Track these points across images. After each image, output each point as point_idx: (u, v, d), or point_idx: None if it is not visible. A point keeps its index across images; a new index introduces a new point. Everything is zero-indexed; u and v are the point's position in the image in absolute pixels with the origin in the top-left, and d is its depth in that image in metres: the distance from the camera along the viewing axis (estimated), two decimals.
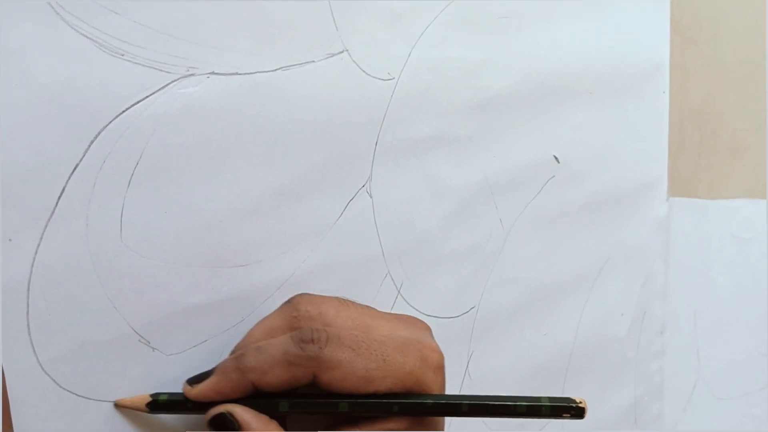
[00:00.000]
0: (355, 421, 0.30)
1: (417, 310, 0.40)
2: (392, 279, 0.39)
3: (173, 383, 0.31)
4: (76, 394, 0.28)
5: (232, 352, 0.32)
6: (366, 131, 0.36)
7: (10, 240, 0.25)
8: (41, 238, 0.26)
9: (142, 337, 0.30)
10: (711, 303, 0.65)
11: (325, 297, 0.31)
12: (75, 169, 0.27)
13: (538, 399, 0.31)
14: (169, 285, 0.30)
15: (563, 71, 0.47)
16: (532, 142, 0.45)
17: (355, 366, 0.29)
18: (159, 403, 0.30)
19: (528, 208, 0.45)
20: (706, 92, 0.62)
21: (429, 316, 0.41)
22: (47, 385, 0.27)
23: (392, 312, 0.33)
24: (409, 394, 0.30)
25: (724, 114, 0.63)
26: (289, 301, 0.32)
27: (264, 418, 0.29)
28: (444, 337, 0.42)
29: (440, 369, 0.31)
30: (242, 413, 0.29)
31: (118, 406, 0.29)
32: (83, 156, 0.27)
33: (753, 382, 0.68)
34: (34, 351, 0.27)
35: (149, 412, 0.30)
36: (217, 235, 0.31)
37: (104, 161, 0.27)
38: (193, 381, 0.30)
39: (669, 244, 0.60)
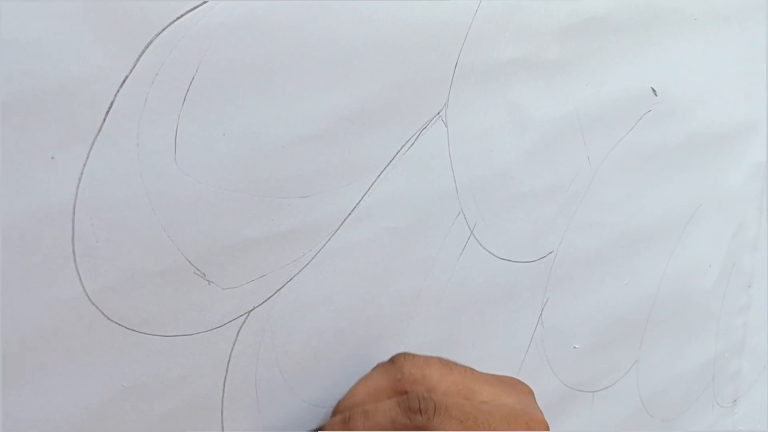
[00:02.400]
0: None
1: (490, 252, 0.37)
2: (465, 218, 0.35)
3: (229, 318, 0.28)
4: (126, 327, 0.26)
5: (335, 411, 0.32)
6: (444, 52, 0.32)
7: (52, 158, 0.23)
8: (87, 157, 0.24)
9: (197, 269, 0.27)
10: None
11: (428, 358, 0.31)
12: (124, 81, 0.24)
13: None
14: (226, 214, 0.27)
15: None
16: (629, 72, 0.40)
17: (467, 423, 0.28)
18: None
19: (619, 145, 0.41)
20: None
21: (503, 259, 0.37)
22: (94, 317, 0.25)
23: (494, 374, 0.32)
24: None
25: None
26: (392, 361, 0.31)
27: None
28: (518, 283, 0.39)
29: (532, 398, 0.31)
30: None
31: None
32: (133, 67, 0.24)
33: None
34: (80, 280, 0.25)
35: None
36: (277, 162, 0.28)
37: (156, 74, 0.25)
38: None
39: (765, 192, 0.54)
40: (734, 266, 0.53)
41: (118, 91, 0.24)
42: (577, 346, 0.43)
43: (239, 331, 0.29)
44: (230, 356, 0.29)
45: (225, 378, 0.29)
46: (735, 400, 0.58)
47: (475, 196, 0.35)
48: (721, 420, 0.57)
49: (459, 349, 0.37)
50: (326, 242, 0.31)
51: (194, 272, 0.27)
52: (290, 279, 0.30)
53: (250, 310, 0.29)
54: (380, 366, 0.32)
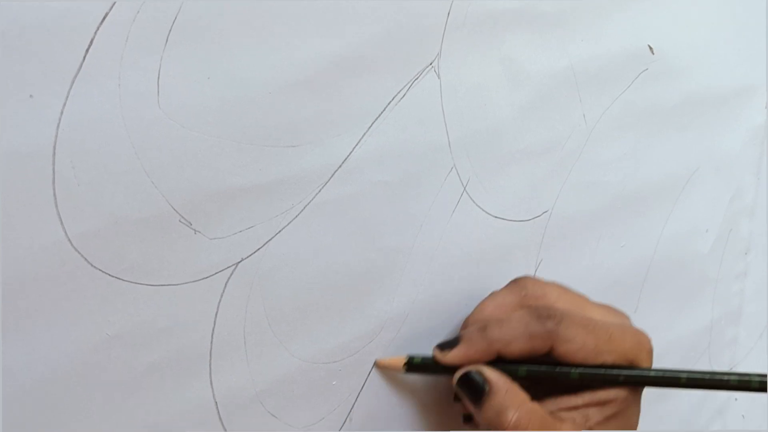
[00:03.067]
0: (577, 390, 0.33)
1: (483, 210, 0.36)
2: (458, 173, 0.35)
3: (216, 269, 0.28)
4: (109, 275, 0.25)
5: (466, 324, 0.35)
6: (437, 0, 0.32)
7: (31, 96, 0.22)
8: (67, 97, 0.23)
9: (182, 217, 0.27)
10: None
11: (546, 281, 0.35)
12: (104, 18, 0.23)
13: (748, 375, 0.32)
14: (212, 161, 0.27)
15: None
16: (626, 28, 0.39)
17: (586, 341, 0.32)
18: (414, 365, 0.34)
19: (616, 104, 0.40)
20: None
21: (497, 218, 0.37)
22: (77, 263, 0.25)
23: (598, 302, 0.36)
24: (632, 367, 0.33)
25: None
26: (516, 281, 0.36)
27: (508, 378, 0.32)
28: (511, 243, 0.38)
29: (651, 353, 0.35)
30: (490, 373, 0.32)
31: (378, 365, 0.34)
32: (113, 4, 0.23)
33: None
34: (62, 224, 0.24)
35: (404, 372, 0.34)
36: (265, 108, 0.28)
37: (138, 12, 0.24)
38: (444, 347, 0.33)
39: (763, 157, 0.54)
40: (731, 232, 0.52)
41: (98, 28, 0.23)
42: None
43: (227, 283, 0.29)
44: (218, 308, 0.29)
45: (213, 330, 0.29)
46: (731, 368, 0.58)
47: (468, 151, 0.35)
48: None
49: (451, 307, 0.36)
50: (316, 194, 0.30)
51: (179, 221, 0.27)
52: (279, 231, 0.30)
53: (238, 262, 0.29)
54: (505, 287, 0.36)
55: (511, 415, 0.31)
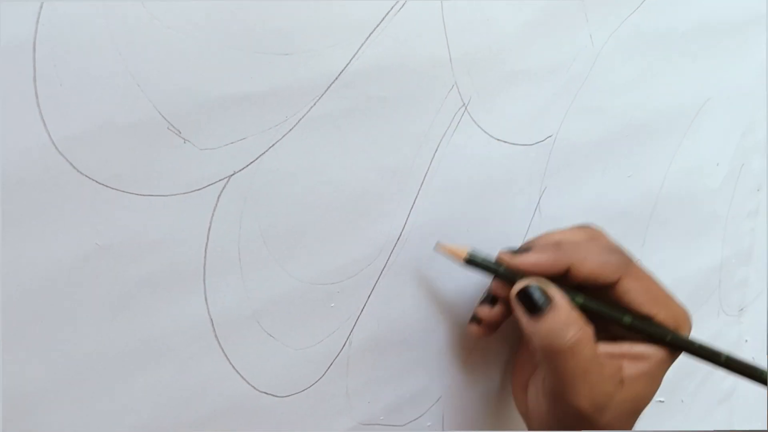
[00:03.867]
0: (616, 338, 0.34)
1: (485, 131, 0.35)
2: (459, 91, 0.34)
3: (207, 181, 0.27)
4: (96, 181, 0.25)
5: (528, 245, 0.35)
6: None
7: None
8: None
9: (171, 124, 0.26)
10: None
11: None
12: None
13: None
14: (201, 66, 0.26)
15: None
16: None
17: (651, 286, 0.34)
18: (475, 261, 0.33)
19: (624, 25, 0.39)
20: None
21: (499, 140, 0.36)
22: (62, 168, 0.24)
23: None
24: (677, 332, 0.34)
25: None
26: (582, 226, 0.36)
27: (569, 300, 0.32)
28: (514, 167, 0.37)
29: (690, 330, 0.35)
30: (554, 290, 0.32)
31: (440, 248, 0.34)
32: None
33: None
34: (45, 126, 0.23)
35: (463, 265, 0.34)
36: (256, 12, 0.27)
37: None
38: (513, 252, 0.33)
39: None
40: (743, 167, 0.51)
41: None
42: None
43: (219, 196, 0.28)
44: (210, 223, 0.28)
45: (206, 246, 0.28)
46: (741, 309, 0.57)
47: (469, 69, 0.34)
48: (726, 328, 0.56)
49: (451, 232, 0.35)
50: (310, 108, 0.29)
51: (168, 128, 0.26)
52: (272, 145, 0.29)
53: (230, 175, 0.28)
54: (570, 227, 0.36)
55: (572, 334, 0.31)
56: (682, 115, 0.45)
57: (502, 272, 0.33)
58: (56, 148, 0.24)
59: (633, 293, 0.33)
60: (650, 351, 0.34)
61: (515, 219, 0.38)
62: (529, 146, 0.37)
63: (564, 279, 0.33)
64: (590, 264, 0.33)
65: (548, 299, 0.32)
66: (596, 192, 0.41)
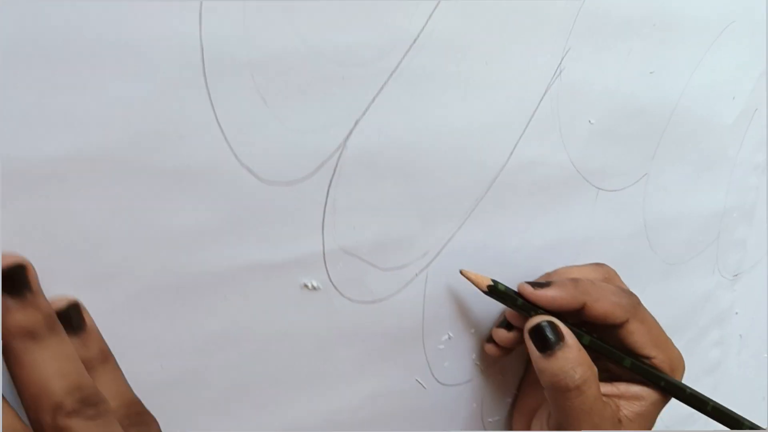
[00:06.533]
0: (618, 377, 0.36)
1: None
2: None
3: None
4: None
5: (548, 276, 0.38)
6: None
7: None
8: None
9: None
10: None
11: None
12: None
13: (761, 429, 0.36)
14: None
15: None
16: None
17: (653, 330, 0.36)
18: (497, 290, 0.34)
19: None
20: None
21: None
22: None
23: None
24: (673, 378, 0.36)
25: None
26: (597, 264, 0.39)
27: (576, 338, 0.34)
28: (538, 12, 0.35)
29: (683, 375, 0.37)
30: (565, 328, 0.34)
31: (463, 274, 0.35)
32: None
33: None
34: None
35: (485, 293, 0.35)
36: None
37: None
38: (534, 285, 0.35)
39: None
40: (756, 112, 0.49)
41: None
42: (592, 122, 0.39)
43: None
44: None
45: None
46: (736, 275, 0.55)
47: None
48: (719, 291, 0.54)
49: (469, 44, 0.32)
50: None
51: None
52: None
53: None
54: (586, 264, 0.38)
55: (581, 373, 0.33)
56: (707, 28, 0.43)
57: (520, 305, 0.35)
58: None
59: (637, 335, 0.35)
60: (645, 393, 0.36)
61: (536, 73, 0.35)
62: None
63: (576, 316, 0.35)
64: (604, 304, 0.34)
65: (560, 338, 0.33)
66: (618, 74, 0.39)
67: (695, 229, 0.49)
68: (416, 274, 0.34)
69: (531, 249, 0.38)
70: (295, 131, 0.28)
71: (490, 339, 0.38)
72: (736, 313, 0.56)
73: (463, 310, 0.37)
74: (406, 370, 0.35)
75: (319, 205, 0.30)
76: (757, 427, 0.36)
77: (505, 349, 0.37)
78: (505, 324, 0.37)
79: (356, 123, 0.30)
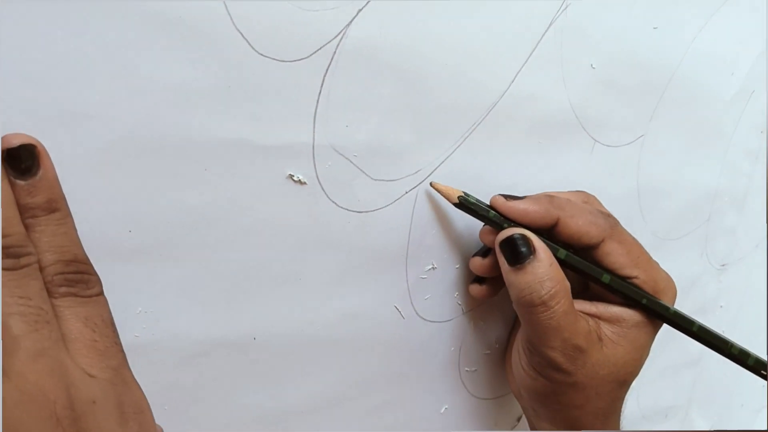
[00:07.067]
0: (594, 299, 0.35)
1: None
2: None
3: None
4: None
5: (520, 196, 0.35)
6: None
7: None
8: None
9: None
10: None
11: None
12: None
13: (748, 353, 0.35)
14: None
15: None
16: None
17: (633, 251, 0.34)
18: (467, 203, 0.33)
19: None
20: None
21: None
22: None
23: None
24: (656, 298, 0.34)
25: None
26: (580, 191, 0.37)
27: (551, 254, 0.32)
28: None
29: (674, 299, 0.35)
30: (537, 241, 0.32)
31: (433, 186, 0.33)
32: None
33: None
34: None
35: (455, 205, 0.33)
36: None
37: None
38: (507, 197, 0.33)
39: None
40: (753, 94, 0.49)
41: None
42: (594, 66, 0.38)
43: None
44: None
45: None
46: (723, 265, 0.54)
47: None
48: (706, 278, 0.53)
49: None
50: None
51: None
52: None
53: None
54: (568, 191, 0.36)
55: (550, 287, 0.31)
56: None
57: (492, 217, 0.33)
58: None
59: (614, 255, 0.33)
60: (626, 314, 0.34)
61: (541, 3, 0.35)
62: None
63: (550, 233, 0.33)
64: (578, 221, 0.33)
65: (531, 251, 0.32)
66: (621, 25, 0.39)
67: (686, 205, 0.48)
68: (406, 192, 0.33)
69: (523, 190, 0.37)
70: (297, 7, 0.27)
71: (474, 280, 0.37)
72: (721, 306, 0.55)
73: (450, 241, 0.35)
74: (386, 293, 0.34)
75: (313, 92, 0.29)
76: (746, 352, 0.35)
77: (489, 291, 0.36)
78: (482, 252, 0.35)
79: (359, 11, 0.29)
